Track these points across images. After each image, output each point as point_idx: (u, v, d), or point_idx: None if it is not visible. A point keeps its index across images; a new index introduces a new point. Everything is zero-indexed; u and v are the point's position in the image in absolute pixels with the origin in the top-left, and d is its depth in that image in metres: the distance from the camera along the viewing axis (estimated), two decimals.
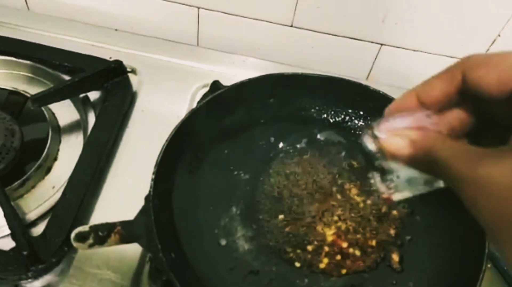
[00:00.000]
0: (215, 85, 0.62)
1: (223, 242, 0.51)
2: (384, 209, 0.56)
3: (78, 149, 0.61)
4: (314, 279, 0.50)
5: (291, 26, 0.74)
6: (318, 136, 0.61)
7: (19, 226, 0.51)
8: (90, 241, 0.44)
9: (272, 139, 0.60)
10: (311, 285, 0.50)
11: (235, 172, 0.57)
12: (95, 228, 0.45)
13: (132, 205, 0.50)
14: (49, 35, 0.71)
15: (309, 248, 0.52)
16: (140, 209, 0.48)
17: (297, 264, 0.51)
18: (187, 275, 0.47)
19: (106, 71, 0.63)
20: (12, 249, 0.51)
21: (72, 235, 0.44)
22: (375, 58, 0.78)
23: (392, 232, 0.54)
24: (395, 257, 0.52)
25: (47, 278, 0.52)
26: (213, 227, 0.52)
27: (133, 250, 0.52)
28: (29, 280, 0.51)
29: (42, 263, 0.51)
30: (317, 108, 0.62)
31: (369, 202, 0.56)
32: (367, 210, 0.55)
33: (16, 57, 0.66)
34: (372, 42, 0.75)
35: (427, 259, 0.52)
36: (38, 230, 0.55)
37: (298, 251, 0.52)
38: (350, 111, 0.61)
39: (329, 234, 0.53)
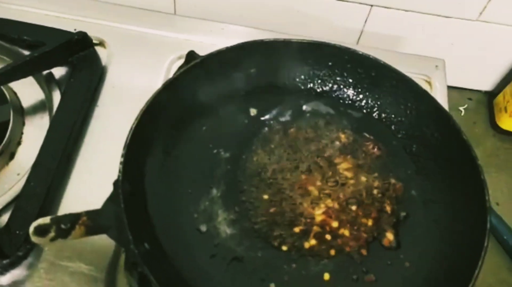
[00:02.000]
0: (191, 55, 0.57)
1: (203, 227, 0.47)
2: (377, 184, 0.52)
3: (44, 131, 0.56)
4: (303, 263, 0.47)
5: None
6: (304, 108, 0.56)
7: None
8: (52, 234, 0.40)
9: (254, 112, 0.55)
10: (300, 269, 0.46)
11: (215, 150, 0.52)
12: (57, 220, 0.40)
13: (103, 192, 0.45)
14: (5, 6, 0.65)
15: (297, 229, 0.48)
16: (108, 197, 0.43)
17: (284, 248, 0.47)
18: (163, 266, 0.43)
19: (69, 44, 0.58)
20: None
21: (31, 228, 0.39)
22: (365, 20, 0.73)
23: (387, 208, 0.50)
24: (389, 235, 0.48)
25: (15, 273, 0.48)
26: (192, 212, 0.48)
27: (108, 239, 0.48)
28: None
29: (7, 257, 0.47)
30: (302, 77, 0.57)
31: (361, 177, 0.52)
32: (359, 186, 0.51)
33: None
34: (361, 4, 0.70)
35: (425, 237, 0.48)
36: (3, 220, 0.50)
37: (285, 233, 0.48)
38: (338, 79, 0.57)
39: (318, 213, 0.49)
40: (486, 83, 0.82)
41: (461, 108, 0.80)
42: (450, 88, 0.71)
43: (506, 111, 0.75)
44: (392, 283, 0.46)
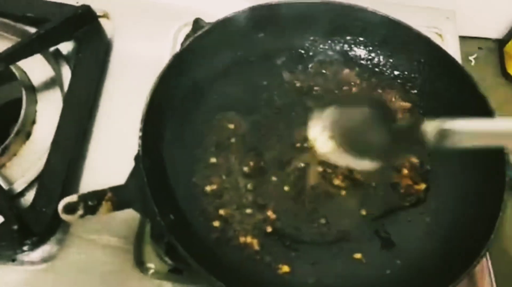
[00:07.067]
0: (197, 23, 0.56)
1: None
2: None
3: (57, 107, 0.56)
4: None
5: None
6: (315, 67, 0.56)
7: (5, 199, 0.48)
8: (80, 212, 0.41)
9: (264, 81, 0.55)
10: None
11: (226, 115, 0.52)
12: (84, 197, 0.41)
13: (122, 163, 0.46)
14: None
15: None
16: (130, 171, 0.44)
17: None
18: (187, 234, 0.44)
19: (73, 19, 0.57)
20: (2, 224, 0.48)
21: (60, 207, 0.40)
22: None
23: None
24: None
25: (45, 248, 0.49)
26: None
27: (132, 211, 0.49)
28: (25, 253, 0.49)
29: (35, 235, 0.48)
30: (311, 38, 0.56)
31: None
32: None
33: None
34: None
35: (446, 191, 0.49)
36: (27, 199, 0.51)
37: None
38: (348, 38, 0.56)
39: None
40: (496, 31, 0.80)
41: (471, 58, 0.79)
42: (459, 38, 0.70)
43: None
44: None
